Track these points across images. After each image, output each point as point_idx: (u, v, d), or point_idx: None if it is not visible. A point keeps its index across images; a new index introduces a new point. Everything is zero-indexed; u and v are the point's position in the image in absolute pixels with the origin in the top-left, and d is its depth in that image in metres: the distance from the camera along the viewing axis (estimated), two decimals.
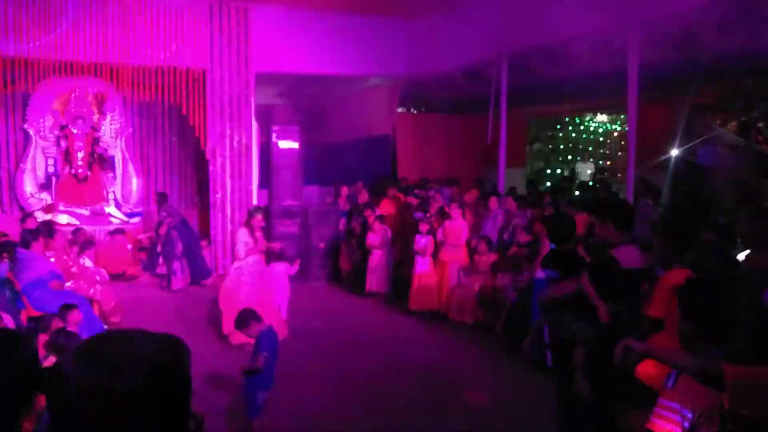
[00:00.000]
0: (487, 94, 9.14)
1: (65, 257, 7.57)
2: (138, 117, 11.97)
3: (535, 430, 4.86)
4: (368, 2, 10.17)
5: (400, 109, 12.54)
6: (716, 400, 2.13)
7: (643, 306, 3.80)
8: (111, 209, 11.45)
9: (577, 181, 13.24)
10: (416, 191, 10.58)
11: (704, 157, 9.48)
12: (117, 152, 11.69)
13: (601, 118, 15.31)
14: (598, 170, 14.78)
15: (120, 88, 11.06)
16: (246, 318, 4.73)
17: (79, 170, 11.26)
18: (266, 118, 11.09)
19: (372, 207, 9.65)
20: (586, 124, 15.54)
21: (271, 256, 7.89)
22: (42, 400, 1.38)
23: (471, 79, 10.11)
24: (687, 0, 6.44)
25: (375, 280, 9.17)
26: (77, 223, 10.45)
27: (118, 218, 11.34)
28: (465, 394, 5.71)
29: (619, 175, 14.08)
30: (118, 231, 10.58)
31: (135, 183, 11.86)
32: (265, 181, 10.72)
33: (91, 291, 7.19)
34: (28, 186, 11.13)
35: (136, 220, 11.58)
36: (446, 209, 8.69)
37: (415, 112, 13.80)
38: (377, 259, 9.13)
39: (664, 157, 9.44)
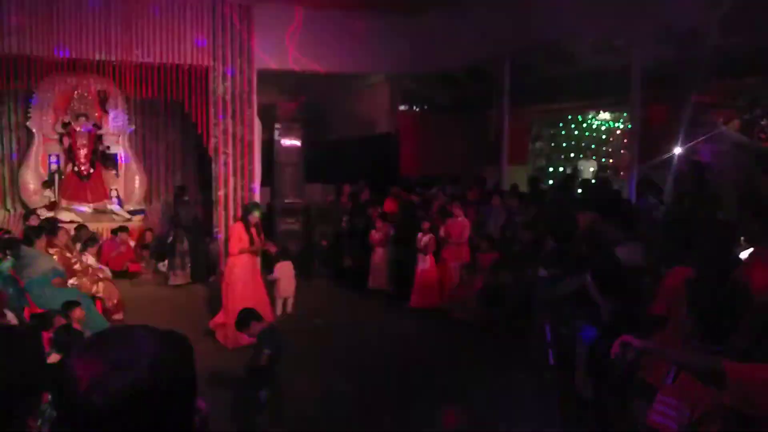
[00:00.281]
0: (490, 92, 9.13)
1: (68, 254, 7.59)
2: (141, 114, 11.98)
3: (537, 428, 4.86)
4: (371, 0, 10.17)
5: (402, 107, 12.52)
6: (717, 396, 2.13)
7: (645, 304, 3.80)
8: (114, 206, 11.47)
9: (580, 179, 13.22)
10: (418, 189, 10.58)
11: (707, 155, 9.47)
12: (120, 150, 11.71)
13: (604, 116, 15.27)
14: (601, 168, 14.74)
15: (123, 85, 11.08)
16: (246, 318, 4.73)
17: (82, 167, 11.29)
18: (269, 115, 11.09)
19: (374, 205, 9.65)
20: (589, 121, 15.49)
21: (277, 254, 7.93)
22: (45, 397, 1.39)
23: (473, 76, 10.11)
24: None
25: (377, 277, 9.18)
26: (80, 220, 10.48)
27: (121, 215, 11.37)
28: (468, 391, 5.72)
29: (621, 173, 14.05)
30: (121, 228, 10.60)
31: (137, 180, 11.88)
32: (268, 179, 10.72)
33: (94, 288, 7.20)
34: (31, 183, 11.15)
35: (138, 217, 11.60)
36: (448, 207, 8.69)
37: (418, 110, 13.78)
38: (379, 256, 9.14)
39: (666, 156, 9.42)
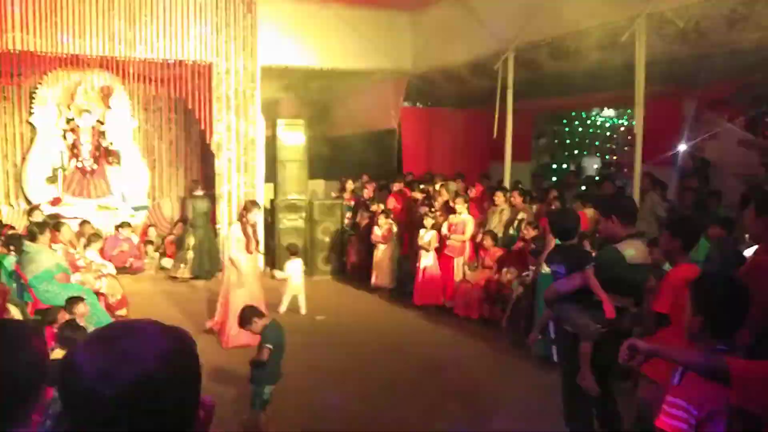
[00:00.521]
0: (494, 88, 9.10)
1: (72, 250, 7.61)
2: (144, 110, 11.99)
3: (540, 425, 4.86)
4: None
5: (405, 103, 12.50)
6: (723, 395, 2.13)
7: (648, 301, 3.79)
8: (117, 202, 11.49)
9: (584, 176, 13.19)
10: (422, 186, 10.56)
11: (712, 152, 9.44)
12: (123, 145, 11.72)
13: (608, 112, 15.22)
14: (605, 165, 14.71)
15: (126, 81, 11.09)
16: (248, 315, 4.73)
17: (86, 163, 11.30)
18: (272, 111, 11.08)
19: (377, 201, 9.63)
20: (593, 118, 15.45)
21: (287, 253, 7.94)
22: (49, 392, 1.39)
23: (477, 72, 10.07)
24: None
25: (380, 274, 9.18)
26: (84, 216, 10.50)
27: (124, 211, 11.38)
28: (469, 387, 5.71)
29: (625, 170, 14.01)
30: (125, 224, 10.61)
31: (141, 176, 11.89)
32: (271, 175, 10.73)
33: (98, 284, 7.22)
34: (35, 179, 11.17)
35: (142, 212, 11.62)
36: (451, 204, 8.68)
37: (421, 106, 13.75)
38: (382, 253, 9.14)
39: (671, 152, 9.40)
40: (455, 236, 8.29)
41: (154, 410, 1.01)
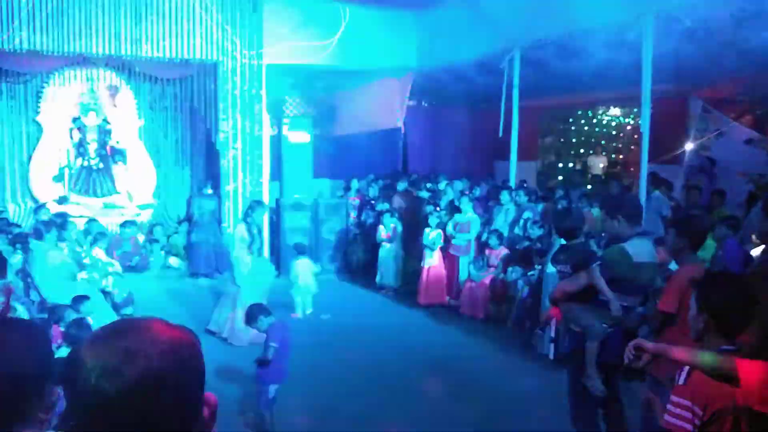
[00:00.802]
0: (499, 87, 9.08)
1: (78, 248, 7.63)
2: (150, 109, 12.01)
3: (547, 425, 4.85)
4: None
5: (411, 102, 12.49)
6: (729, 395, 2.11)
7: (655, 300, 3.77)
8: (123, 201, 11.52)
9: (590, 175, 13.16)
10: (427, 184, 10.56)
11: (719, 151, 9.39)
12: (129, 144, 11.75)
13: (614, 111, 15.17)
14: (611, 164, 14.66)
15: (132, 80, 11.10)
16: (254, 313, 4.74)
17: (92, 162, 11.34)
18: (277, 110, 11.09)
19: (382, 200, 9.63)
20: (599, 117, 15.41)
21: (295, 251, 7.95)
22: (55, 390, 1.39)
23: (483, 71, 10.05)
24: None
25: (385, 273, 9.17)
26: (90, 214, 10.53)
27: (130, 210, 11.42)
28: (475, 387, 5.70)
29: (632, 169, 13.97)
30: (130, 222, 10.64)
31: (147, 175, 11.92)
32: (276, 174, 10.74)
33: (104, 282, 7.24)
34: (41, 178, 11.21)
35: (148, 211, 11.65)
36: (457, 203, 8.67)
37: (426, 105, 13.75)
38: (387, 252, 9.13)
39: (678, 152, 9.36)
40: (460, 235, 8.28)
41: (158, 408, 1.01)
